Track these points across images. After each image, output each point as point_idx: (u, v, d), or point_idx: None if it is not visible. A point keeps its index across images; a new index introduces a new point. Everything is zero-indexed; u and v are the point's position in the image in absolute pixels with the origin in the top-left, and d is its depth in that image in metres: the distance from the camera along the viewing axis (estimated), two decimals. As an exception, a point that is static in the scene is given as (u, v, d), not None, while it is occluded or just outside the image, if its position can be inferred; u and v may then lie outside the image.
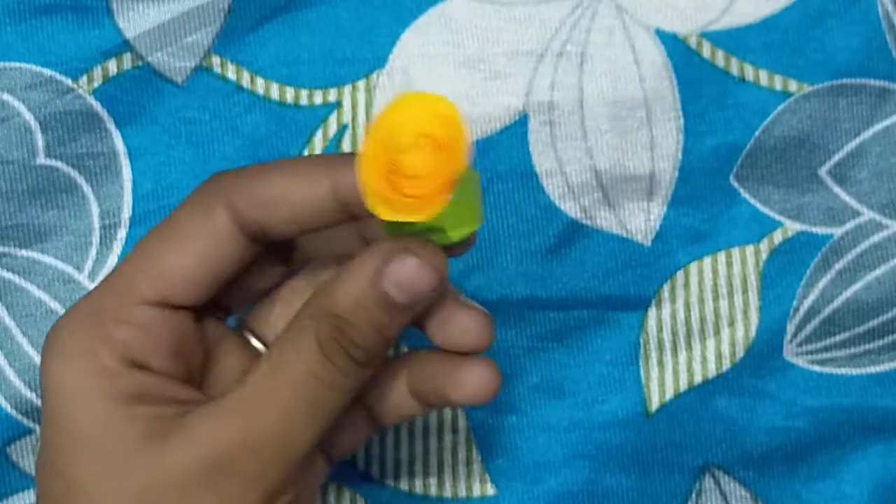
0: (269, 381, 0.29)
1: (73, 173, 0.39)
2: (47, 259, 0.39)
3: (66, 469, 0.29)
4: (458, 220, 0.29)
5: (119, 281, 0.30)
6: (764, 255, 0.39)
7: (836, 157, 0.40)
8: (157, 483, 0.28)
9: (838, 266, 0.39)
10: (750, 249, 0.40)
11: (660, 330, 0.39)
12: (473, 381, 0.31)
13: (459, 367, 0.31)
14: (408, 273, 0.28)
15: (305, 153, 0.39)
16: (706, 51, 0.40)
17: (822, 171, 0.40)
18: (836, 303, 0.39)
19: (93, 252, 0.39)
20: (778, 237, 0.40)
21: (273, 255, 0.33)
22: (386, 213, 0.26)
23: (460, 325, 0.31)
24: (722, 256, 0.39)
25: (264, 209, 0.30)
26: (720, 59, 0.40)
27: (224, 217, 0.30)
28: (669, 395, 0.39)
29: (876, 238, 0.40)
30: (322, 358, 0.29)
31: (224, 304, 0.33)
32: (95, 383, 0.28)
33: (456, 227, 0.29)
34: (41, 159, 0.39)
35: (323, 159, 0.30)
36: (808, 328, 0.39)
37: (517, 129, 0.40)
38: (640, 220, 0.40)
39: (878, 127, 0.40)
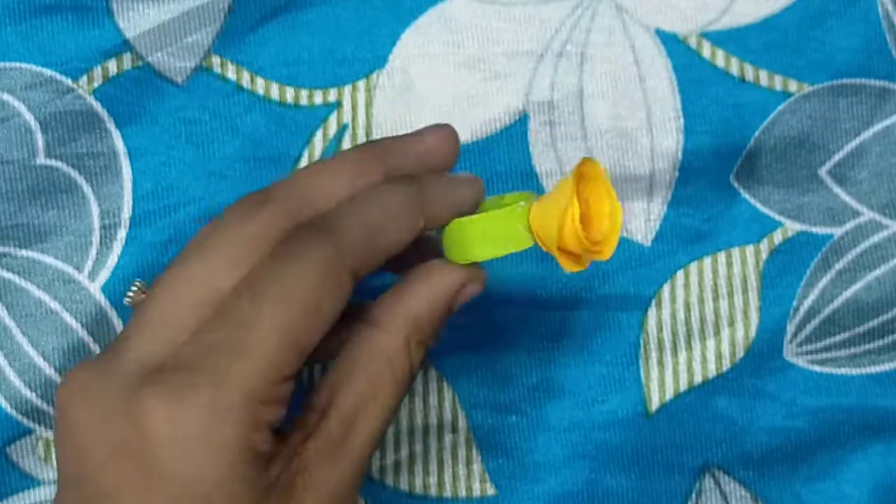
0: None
1: (73, 173, 0.39)
2: (47, 259, 0.39)
3: None
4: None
5: (263, 360, 0.28)
6: (764, 256, 0.39)
7: (836, 158, 0.40)
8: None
9: (838, 266, 0.39)
10: (750, 249, 0.40)
11: (660, 330, 0.39)
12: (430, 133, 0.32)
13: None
14: (472, 294, 0.31)
15: (305, 153, 0.39)
16: (706, 51, 0.40)
17: (822, 171, 0.40)
18: (836, 303, 0.39)
19: (93, 252, 0.39)
20: (778, 237, 0.40)
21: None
22: (576, 267, 0.30)
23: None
24: (722, 256, 0.39)
25: (376, 261, 0.30)
26: (720, 59, 0.40)
27: (349, 284, 0.29)
28: (669, 395, 0.39)
29: (876, 238, 0.40)
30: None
31: None
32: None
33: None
34: (41, 159, 0.39)
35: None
36: (808, 328, 0.39)
37: (517, 129, 0.40)
38: (640, 221, 0.40)
39: (878, 127, 0.40)
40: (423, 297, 0.31)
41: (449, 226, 0.31)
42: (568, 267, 0.30)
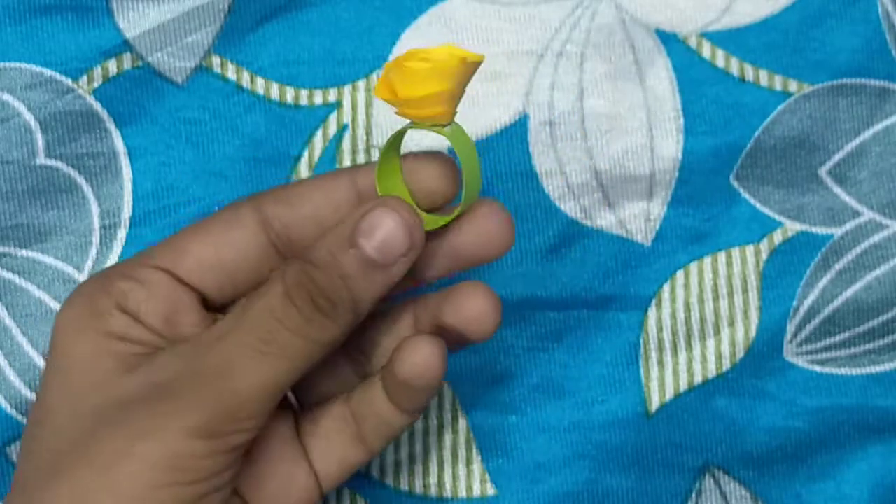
0: (230, 319, 0.30)
1: (73, 173, 0.39)
2: (47, 259, 0.39)
3: (43, 393, 0.31)
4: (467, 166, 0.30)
5: (138, 253, 0.32)
6: (764, 255, 0.39)
7: (836, 157, 0.40)
8: (108, 403, 0.29)
9: (838, 266, 0.39)
10: (750, 249, 0.40)
11: (660, 330, 0.39)
12: (471, 304, 0.32)
13: (455, 294, 0.32)
14: (383, 229, 0.29)
15: (305, 153, 0.39)
16: (706, 51, 0.40)
17: (822, 171, 0.40)
18: (837, 303, 0.39)
19: (93, 252, 0.39)
20: (778, 237, 0.40)
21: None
22: (401, 91, 0.29)
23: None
24: (722, 256, 0.39)
25: (287, 205, 0.31)
26: (720, 59, 0.40)
27: (248, 216, 0.31)
28: (669, 395, 0.39)
29: (876, 238, 0.40)
30: (285, 299, 0.29)
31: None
32: (87, 322, 0.31)
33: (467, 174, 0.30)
34: (41, 159, 0.39)
35: (343, 168, 0.33)
36: (808, 328, 0.39)
37: (517, 129, 0.40)
38: (640, 221, 0.40)
39: (878, 127, 0.40)
40: (322, 237, 0.30)
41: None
42: (388, 95, 0.29)
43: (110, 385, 0.30)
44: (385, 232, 0.29)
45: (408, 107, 0.29)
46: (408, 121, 0.30)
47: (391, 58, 0.40)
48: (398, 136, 0.30)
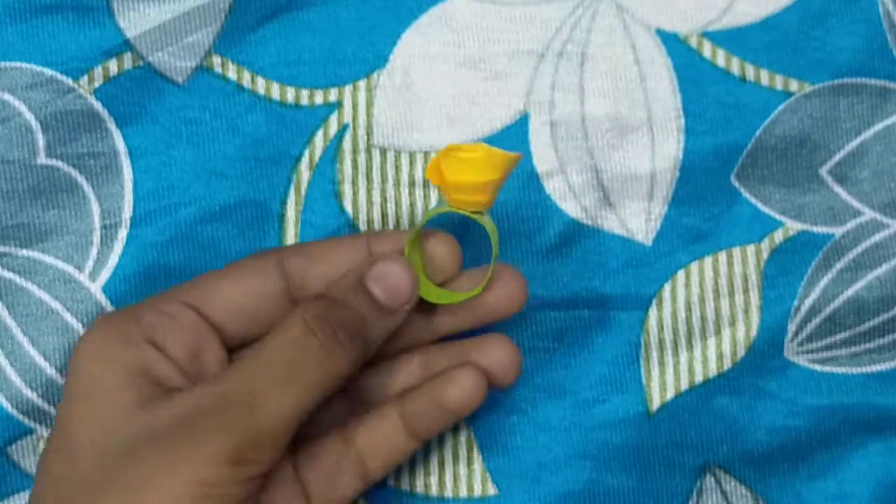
0: (251, 354, 0.32)
1: (74, 173, 0.39)
2: (48, 259, 0.39)
3: (64, 421, 0.32)
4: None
5: (167, 291, 0.34)
6: (765, 255, 0.39)
7: (837, 157, 0.40)
8: (132, 436, 0.30)
9: (839, 265, 0.39)
10: (751, 249, 0.39)
11: (661, 329, 0.39)
12: (498, 353, 0.35)
13: (473, 348, 0.36)
14: (390, 274, 0.33)
15: (306, 153, 0.39)
16: (707, 50, 0.40)
17: (823, 171, 0.40)
18: (837, 302, 0.39)
19: (93, 252, 0.39)
20: (779, 237, 0.40)
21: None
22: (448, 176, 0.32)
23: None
24: (723, 256, 0.39)
25: (307, 260, 0.34)
26: (721, 58, 0.40)
27: (273, 266, 0.34)
28: (670, 394, 0.39)
29: (877, 237, 0.40)
30: (306, 329, 0.31)
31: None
32: (114, 352, 0.32)
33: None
34: (42, 159, 0.39)
35: (361, 234, 0.37)
36: (809, 327, 0.39)
37: (518, 128, 0.40)
38: (640, 220, 0.40)
39: (878, 126, 0.40)
40: (336, 280, 0.33)
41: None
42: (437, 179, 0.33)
43: (134, 418, 0.31)
44: (393, 279, 0.33)
45: (456, 192, 0.33)
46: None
47: (392, 58, 0.40)
48: (432, 214, 0.34)
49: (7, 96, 0.39)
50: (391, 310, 0.33)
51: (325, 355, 0.31)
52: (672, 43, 0.40)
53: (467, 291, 0.35)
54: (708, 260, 0.39)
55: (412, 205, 0.39)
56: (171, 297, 0.34)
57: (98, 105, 0.39)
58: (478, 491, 0.39)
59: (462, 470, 0.39)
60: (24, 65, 0.39)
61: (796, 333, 0.39)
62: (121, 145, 0.39)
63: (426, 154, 0.40)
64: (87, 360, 0.32)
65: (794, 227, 0.40)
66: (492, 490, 0.39)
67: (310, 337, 0.31)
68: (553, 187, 0.39)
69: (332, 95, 0.40)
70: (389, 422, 0.35)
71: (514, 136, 0.40)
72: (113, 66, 0.39)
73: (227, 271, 0.34)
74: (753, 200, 0.40)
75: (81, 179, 0.39)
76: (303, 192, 0.39)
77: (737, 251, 0.39)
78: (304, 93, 0.40)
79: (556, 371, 0.39)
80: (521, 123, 0.40)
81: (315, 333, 0.31)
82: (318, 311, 0.32)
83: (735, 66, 0.40)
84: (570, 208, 0.39)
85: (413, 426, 0.34)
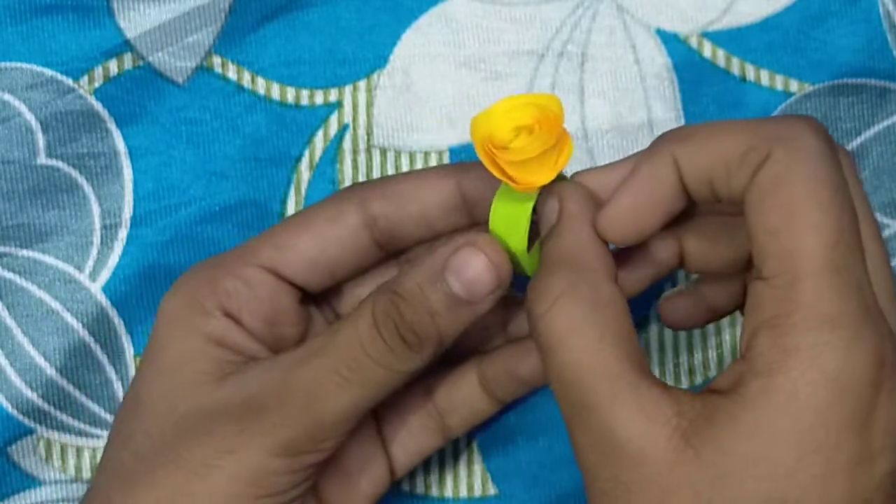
0: (319, 343, 0.31)
1: (74, 173, 0.39)
2: (48, 259, 0.39)
3: (138, 384, 0.32)
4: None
5: (244, 246, 0.33)
6: (765, 255, 0.39)
7: (837, 157, 0.40)
8: (198, 410, 0.31)
9: (839, 266, 0.39)
10: (751, 249, 0.39)
11: (661, 331, 0.39)
12: None
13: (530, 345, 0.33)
14: (471, 269, 0.30)
15: (306, 153, 0.39)
16: (707, 51, 0.40)
17: (823, 171, 0.40)
18: (837, 302, 0.39)
19: (94, 252, 0.39)
20: (779, 237, 0.39)
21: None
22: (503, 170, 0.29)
23: None
24: (723, 256, 0.39)
25: (394, 204, 0.32)
26: (721, 58, 0.40)
27: (354, 212, 0.33)
28: (670, 394, 0.39)
29: (877, 238, 0.39)
30: (372, 329, 0.30)
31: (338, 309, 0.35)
32: (190, 320, 0.32)
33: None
34: (42, 159, 0.39)
35: (449, 165, 0.34)
36: (809, 328, 0.39)
37: (518, 128, 0.40)
38: (640, 220, 0.39)
39: (878, 127, 0.40)
40: (412, 268, 0.31)
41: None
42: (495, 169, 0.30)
43: (202, 391, 0.31)
44: (473, 271, 0.30)
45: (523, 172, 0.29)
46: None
47: (392, 59, 0.40)
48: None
49: (7, 96, 0.39)
50: (473, 302, 0.30)
51: (392, 358, 0.30)
52: (672, 43, 0.40)
53: None
54: (708, 260, 0.39)
55: (412, 205, 0.39)
56: (247, 255, 0.33)
57: (98, 105, 0.39)
58: (478, 491, 0.39)
59: (462, 470, 0.39)
60: (25, 65, 0.39)
61: (796, 334, 0.39)
62: (121, 145, 0.39)
63: (426, 154, 0.40)
64: (166, 325, 0.32)
65: (794, 227, 0.40)
66: (492, 490, 0.39)
67: (376, 338, 0.30)
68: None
69: (333, 96, 0.40)
70: (468, 382, 0.34)
71: (514, 136, 0.40)
72: (113, 66, 0.39)
73: (304, 221, 0.33)
74: (753, 201, 0.40)
75: (81, 179, 0.39)
76: (303, 193, 0.39)
77: (737, 251, 0.39)
78: (305, 93, 0.40)
79: (557, 371, 0.39)
80: (522, 124, 0.40)
81: (381, 334, 0.30)
82: (385, 308, 0.30)
83: (735, 67, 0.40)
84: (571, 208, 0.39)
85: (492, 390, 0.34)
